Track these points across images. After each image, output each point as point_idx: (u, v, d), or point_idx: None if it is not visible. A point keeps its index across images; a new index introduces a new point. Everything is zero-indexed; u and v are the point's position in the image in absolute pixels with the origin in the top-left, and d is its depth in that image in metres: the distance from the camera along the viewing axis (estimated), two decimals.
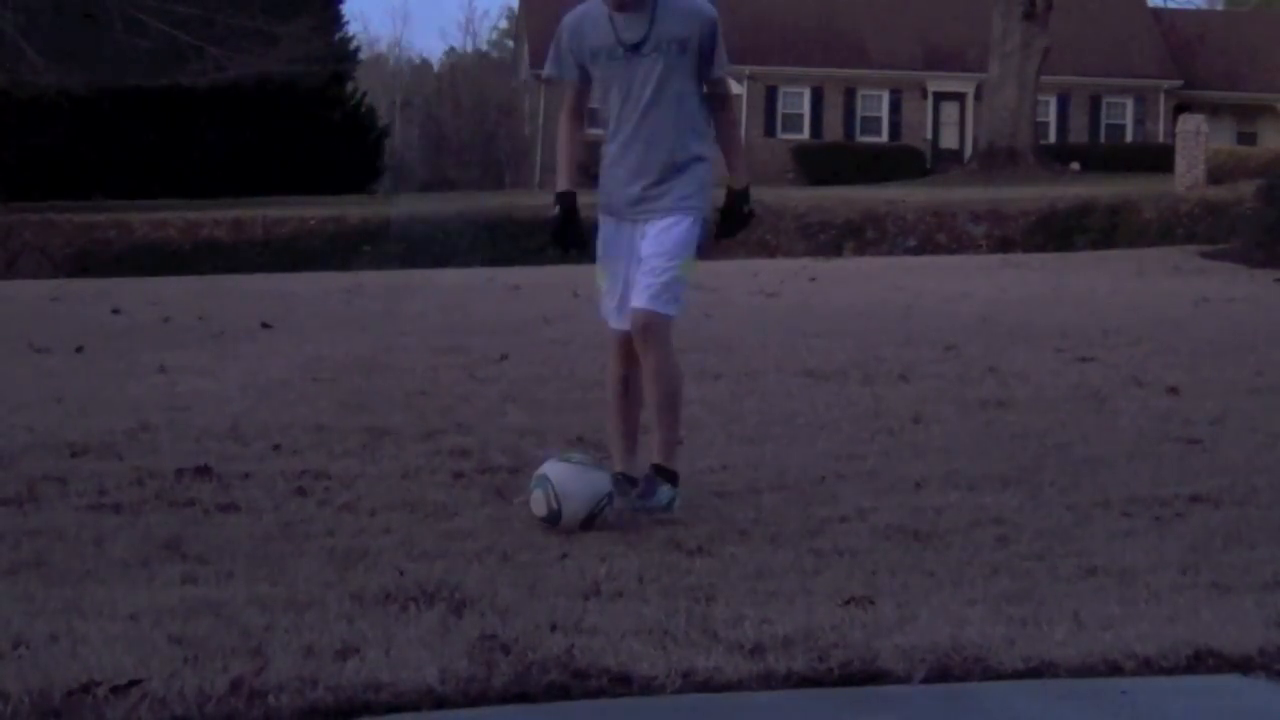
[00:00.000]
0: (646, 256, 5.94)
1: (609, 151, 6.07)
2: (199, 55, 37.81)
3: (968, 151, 49.27)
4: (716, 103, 6.15)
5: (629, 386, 6.09)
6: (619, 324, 6.05)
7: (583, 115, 6.19)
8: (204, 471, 6.61)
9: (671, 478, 5.99)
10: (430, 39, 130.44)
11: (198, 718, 3.55)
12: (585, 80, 6.09)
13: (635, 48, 5.93)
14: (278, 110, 43.98)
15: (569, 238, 6.10)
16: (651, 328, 5.92)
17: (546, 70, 6.19)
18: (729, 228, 6.14)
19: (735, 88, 6.51)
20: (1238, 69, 53.59)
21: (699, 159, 6.01)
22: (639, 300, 5.92)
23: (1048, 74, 43.61)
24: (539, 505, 5.63)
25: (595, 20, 6.01)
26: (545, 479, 5.65)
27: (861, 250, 30.52)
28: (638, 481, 6.02)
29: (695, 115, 6.03)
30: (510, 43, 69.47)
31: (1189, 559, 5.15)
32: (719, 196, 6.09)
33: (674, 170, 5.97)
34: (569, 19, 6.12)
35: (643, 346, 5.97)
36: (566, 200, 6.08)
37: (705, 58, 5.98)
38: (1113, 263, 23.05)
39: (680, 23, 5.93)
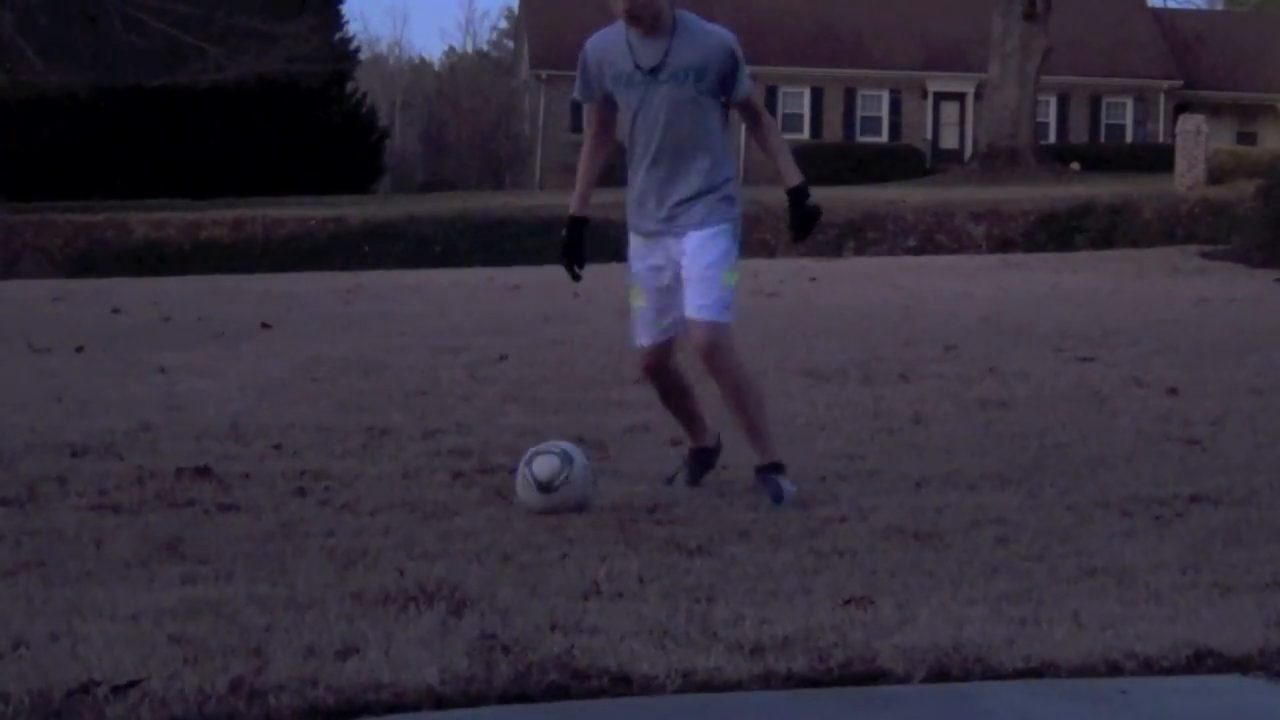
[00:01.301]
0: (692, 276, 6.02)
1: (635, 182, 6.14)
2: (199, 55, 37.84)
3: (968, 151, 49.28)
4: (748, 119, 6.22)
5: (670, 394, 6.33)
6: (653, 338, 6.16)
7: (608, 135, 6.28)
8: (204, 471, 6.61)
9: (780, 469, 6.14)
10: (430, 39, 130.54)
11: (198, 718, 3.55)
12: (610, 104, 6.18)
13: (653, 73, 5.99)
14: (278, 110, 43.99)
15: (572, 261, 6.28)
16: (717, 343, 6.04)
17: (575, 93, 6.29)
18: (800, 227, 6.16)
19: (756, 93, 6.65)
20: (1238, 69, 53.59)
21: (725, 180, 6.12)
22: (703, 314, 6.02)
23: (1048, 74, 43.61)
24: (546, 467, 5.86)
25: (615, 45, 6.08)
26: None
27: (861, 250, 30.51)
28: (711, 452, 6.45)
29: (717, 140, 6.12)
30: (510, 43, 69.49)
31: (1189, 559, 5.15)
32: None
33: (701, 191, 6.05)
34: (591, 42, 6.19)
35: (712, 362, 6.09)
36: (574, 226, 6.25)
37: (725, 84, 6.04)
38: (1113, 263, 23.05)
39: (696, 51, 5.99)
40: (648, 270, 6.17)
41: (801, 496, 6.08)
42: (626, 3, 5.93)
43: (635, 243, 6.22)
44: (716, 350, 6.04)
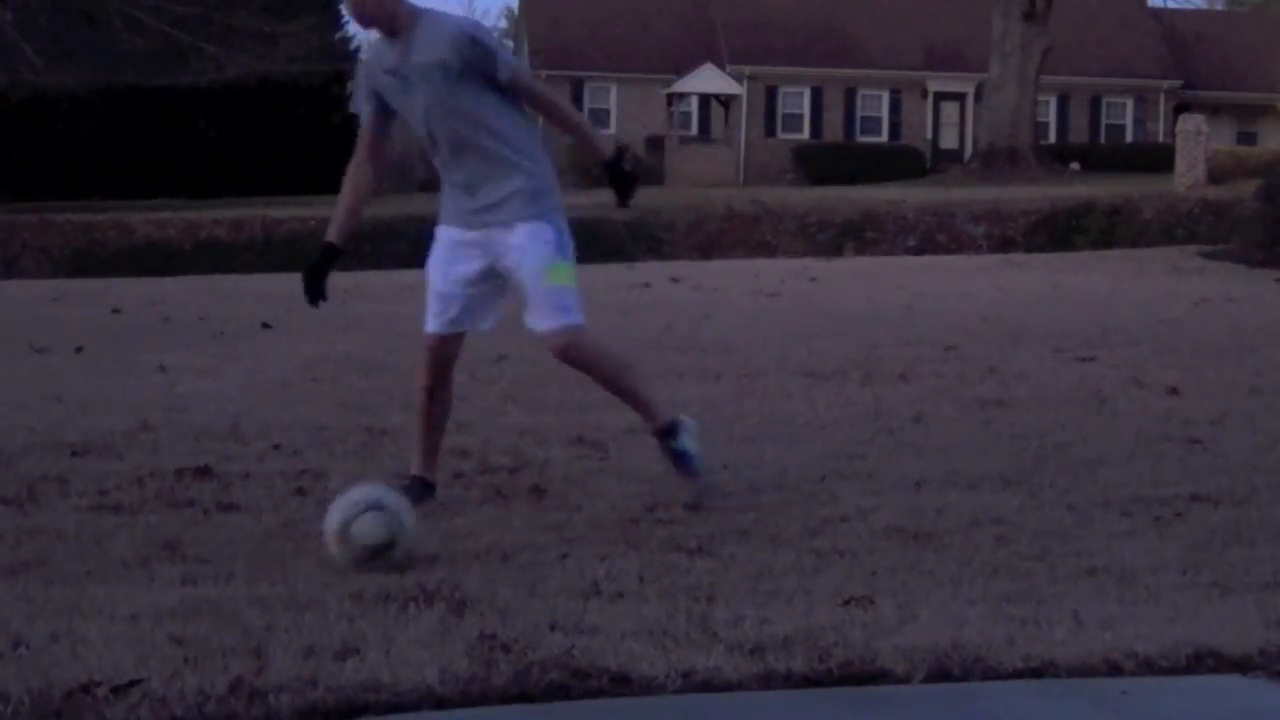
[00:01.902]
0: (523, 286, 5.87)
1: (439, 170, 6.00)
2: (198, 55, 37.82)
3: (968, 151, 49.27)
4: (525, 99, 5.94)
5: (434, 396, 6.10)
6: (436, 328, 6.03)
7: (378, 158, 6.07)
8: (204, 471, 6.61)
9: (672, 428, 6.05)
10: None
11: (198, 718, 3.55)
12: (382, 117, 6.02)
13: (401, 75, 5.84)
14: (278, 110, 43.96)
15: (314, 288, 6.00)
16: (569, 344, 5.92)
17: (352, 108, 6.16)
18: (620, 192, 5.99)
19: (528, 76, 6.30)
20: (1238, 69, 53.58)
21: (522, 165, 5.87)
22: (543, 325, 5.87)
23: (1048, 74, 43.62)
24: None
25: (380, 51, 5.95)
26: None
27: (861, 250, 30.50)
28: (433, 486, 6.06)
29: (509, 132, 5.87)
30: (510, 42, 69.47)
31: (1189, 559, 5.15)
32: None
33: (503, 182, 5.85)
34: (367, 52, 6.10)
35: (572, 363, 6.00)
36: (327, 251, 6.02)
37: (481, 70, 5.78)
38: (1113, 263, 23.05)
39: (436, 45, 5.77)
40: (449, 270, 5.99)
41: (708, 472, 6.06)
42: (349, 9, 5.83)
43: (446, 232, 6.01)
44: (571, 350, 5.94)
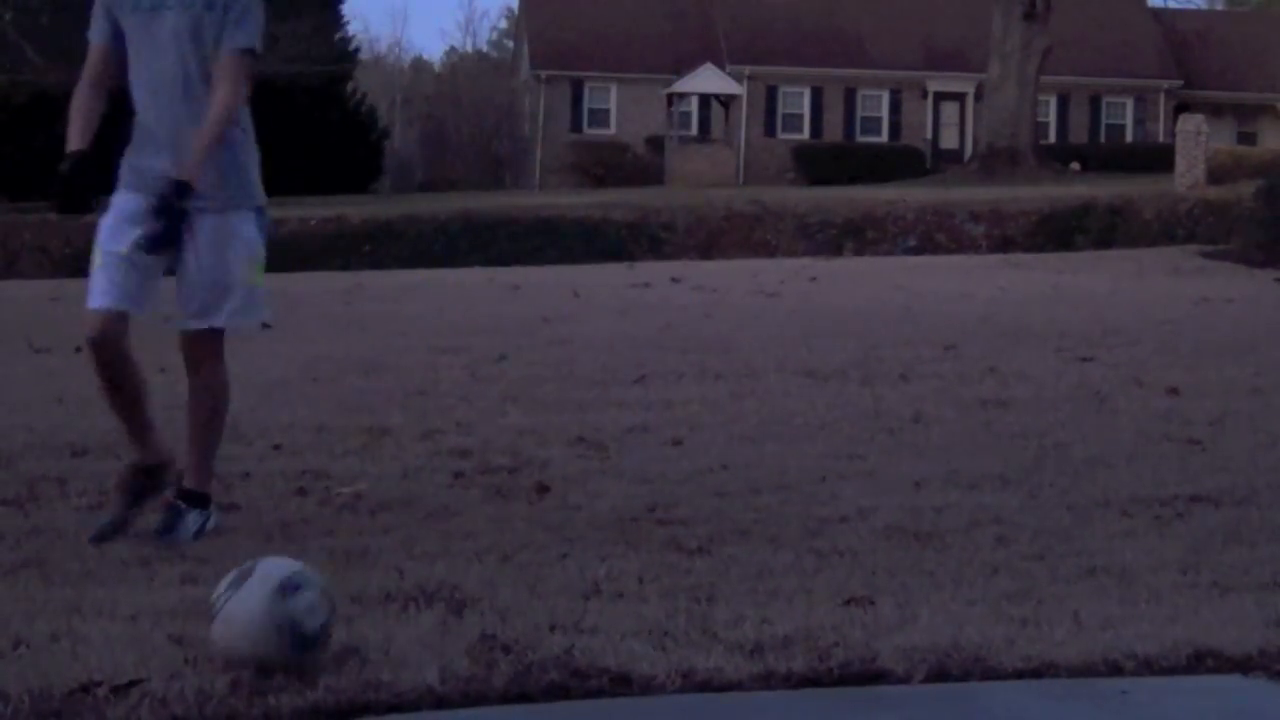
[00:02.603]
0: (221, 268, 5.47)
1: (138, 124, 5.50)
2: None
3: (968, 151, 49.26)
4: (216, 76, 5.37)
5: (113, 376, 5.61)
6: (107, 303, 5.42)
7: (103, 86, 5.50)
8: None
9: (202, 500, 5.58)
10: (430, 39, 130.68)
11: (198, 718, 3.55)
12: (118, 39, 5.47)
13: None
14: (277, 110, 43.94)
15: (77, 194, 5.45)
16: (209, 342, 5.58)
17: (90, 33, 5.51)
18: (154, 235, 5.36)
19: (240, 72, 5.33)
20: (1238, 69, 53.57)
21: (233, 134, 5.44)
22: (216, 320, 5.52)
23: (1048, 74, 43.62)
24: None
25: None
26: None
27: (861, 250, 30.51)
28: (155, 471, 5.67)
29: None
30: (510, 43, 69.49)
31: (1189, 559, 5.15)
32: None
33: (209, 148, 5.35)
34: None
35: (196, 358, 5.59)
36: (81, 158, 5.40)
37: (227, 20, 5.36)
38: (1113, 263, 23.05)
39: None
40: (123, 231, 5.43)
41: (209, 533, 5.49)
42: None
43: (124, 199, 5.50)
44: (205, 348, 5.56)
